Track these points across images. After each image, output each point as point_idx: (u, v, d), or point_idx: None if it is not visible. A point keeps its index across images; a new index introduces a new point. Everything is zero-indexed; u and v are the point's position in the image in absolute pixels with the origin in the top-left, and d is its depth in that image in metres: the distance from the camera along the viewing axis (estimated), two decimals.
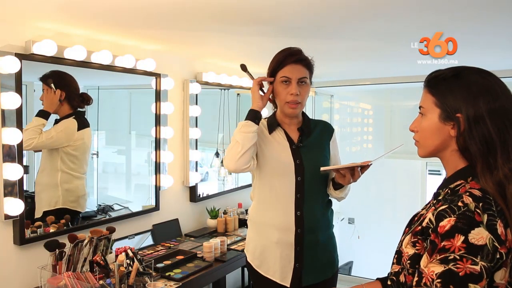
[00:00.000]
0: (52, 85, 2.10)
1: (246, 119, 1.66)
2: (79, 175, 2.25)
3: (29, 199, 2.03)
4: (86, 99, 2.25)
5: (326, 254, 1.76)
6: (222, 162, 3.34)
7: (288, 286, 1.69)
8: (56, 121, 2.17)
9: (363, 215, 4.93)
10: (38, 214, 2.08)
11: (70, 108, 2.19)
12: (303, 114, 1.80)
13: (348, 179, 1.62)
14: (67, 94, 2.16)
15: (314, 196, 1.72)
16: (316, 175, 1.68)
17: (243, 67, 1.81)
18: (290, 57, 1.68)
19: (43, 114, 2.06)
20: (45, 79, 2.10)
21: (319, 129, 1.81)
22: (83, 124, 2.23)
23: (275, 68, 1.70)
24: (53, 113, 2.13)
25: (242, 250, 2.55)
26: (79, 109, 2.23)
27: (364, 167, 1.62)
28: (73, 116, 2.19)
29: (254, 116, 1.66)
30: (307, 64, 1.71)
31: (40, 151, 2.13)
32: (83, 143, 2.24)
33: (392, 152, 1.63)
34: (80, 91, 2.26)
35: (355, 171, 1.62)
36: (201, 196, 3.01)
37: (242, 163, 1.62)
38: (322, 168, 1.63)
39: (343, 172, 1.62)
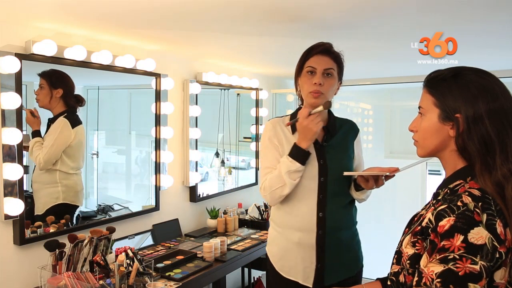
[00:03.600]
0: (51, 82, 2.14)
1: (295, 159, 1.58)
2: (76, 172, 2.27)
3: (29, 199, 2.03)
4: (80, 100, 2.27)
5: (349, 253, 1.73)
6: (222, 162, 3.34)
7: (311, 286, 1.66)
8: (49, 120, 2.18)
9: (362, 215, 4.92)
10: (39, 211, 2.08)
11: (64, 106, 2.20)
12: (329, 112, 1.76)
13: (371, 185, 1.61)
14: (64, 92, 2.18)
15: (337, 197, 1.67)
16: (340, 175, 1.65)
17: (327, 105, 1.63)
18: (317, 47, 1.65)
19: (36, 134, 2.10)
20: (46, 75, 2.11)
21: (345, 128, 1.77)
22: (75, 121, 2.24)
23: (302, 60, 1.67)
24: (46, 109, 2.16)
25: (242, 250, 2.56)
26: (71, 107, 2.24)
27: (389, 176, 1.59)
28: (64, 115, 2.20)
29: (305, 158, 1.59)
30: (335, 57, 1.66)
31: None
32: (78, 140, 2.26)
33: (418, 163, 1.56)
34: (78, 92, 2.27)
35: (379, 179, 1.60)
36: (201, 196, 3.01)
37: (281, 200, 1.67)
38: (345, 173, 1.60)
39: (367, 177, 1.60)
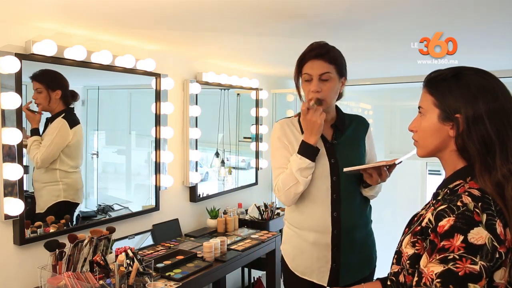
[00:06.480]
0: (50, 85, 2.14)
1: (305, 156, 1.58)
2: (75, 170, 2.27)
3: (29, 199, 2.03)
4: (74, 96, 2.27)
5: (364, 253, 1.72)
6: (222, 162, 3.34)
7: (326, 285, 1.64)
8: (47, 120, 2.17)
9: None
10: (40, 209, 2.09)
11: (63, 106, 2.20)
12: (337, 109, 1.74)
13: (376, 178, 1.58)
14: (63, 92, 2.18)
15: (350, 195, 1.66)
16: (352, 173, 1.62)
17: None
18: (310, 52, 1.62)
19: (35, 132, 2.10)
20: (41, 78, 2.10)
21: (355, 124, 1.76)
22: (73, 122, 2.24)
23: (299, 66, 1.65)
24: (46, 111, 2.15)
25: (242, 250, 2.56)
26: (69, 106, 2.24)
27: (391, 166, 1.58)
28: (62, 115, 2.19)
29: (314, 154, 1.58)
30: (330, 58, 1.61)
31: None
32: (77, 140, 2.26)
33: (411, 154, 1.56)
34: (77, 92, 2.28)
35: (382, 171, 1.58)
36: (201, 196, 3.01)
37: (296, 199, 1.64)
38: (345, 169, 1.58)
39: (369, 171, 1.58)
